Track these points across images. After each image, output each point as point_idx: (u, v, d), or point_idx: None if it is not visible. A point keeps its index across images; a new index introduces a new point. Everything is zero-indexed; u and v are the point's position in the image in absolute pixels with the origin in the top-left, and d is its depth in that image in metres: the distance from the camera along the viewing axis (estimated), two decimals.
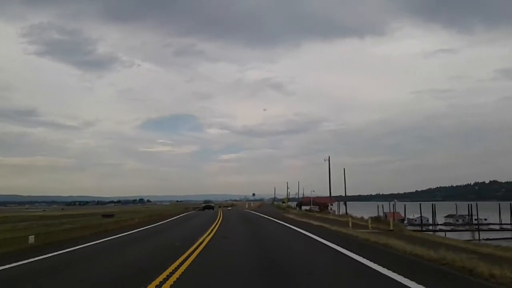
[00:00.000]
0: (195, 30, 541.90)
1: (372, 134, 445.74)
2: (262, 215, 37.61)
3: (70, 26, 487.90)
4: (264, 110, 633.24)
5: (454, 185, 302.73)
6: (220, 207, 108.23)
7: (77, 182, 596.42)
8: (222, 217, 32.80)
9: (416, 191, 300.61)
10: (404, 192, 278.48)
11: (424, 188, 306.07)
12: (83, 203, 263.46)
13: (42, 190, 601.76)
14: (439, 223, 76.57)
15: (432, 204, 74.55)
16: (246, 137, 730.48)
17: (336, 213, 51.35)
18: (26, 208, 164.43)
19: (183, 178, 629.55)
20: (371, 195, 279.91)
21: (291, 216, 35.70)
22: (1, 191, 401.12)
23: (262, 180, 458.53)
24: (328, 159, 55.32)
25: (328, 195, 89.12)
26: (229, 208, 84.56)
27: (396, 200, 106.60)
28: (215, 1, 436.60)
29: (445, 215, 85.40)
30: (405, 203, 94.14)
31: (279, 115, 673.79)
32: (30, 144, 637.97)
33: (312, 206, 74.15)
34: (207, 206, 65.06)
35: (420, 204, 74.63)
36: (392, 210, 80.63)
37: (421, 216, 72.13)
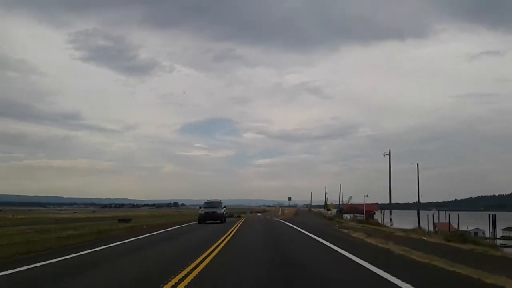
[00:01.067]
0: (234, 35, 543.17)
1: (410, 139, 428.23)
2: (306, 232, 21.72)
3: (114, 33, 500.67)
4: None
5: (497, 194, 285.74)
6: (251, 212, 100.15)
7: (116, 185, 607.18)
8: (234, 235, 18.87)
9: (456, 200, 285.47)
10: (443, 201, 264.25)
11: (464, 197, 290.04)
12: (119, 205, 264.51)
13: (82, 192, 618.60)
14: (497, 237, 67.51)
15: (491, 216, 65.32)
16: (282, 141, 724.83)
17: (388, 224, 43.70)
18: (59, 210, 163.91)
19: (218, 182, 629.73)
20: (408, 203, 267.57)
21: (360, 236, 19.11)
22: (44, 193, 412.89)
23: (297, 185, 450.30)
24: (388, 153, 47.50)
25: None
26: (259, 214, 77.28)
27: (435, 209, 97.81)
28: (254, 6, 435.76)
29: (502, 227, 75.89)
30: (449, 212, 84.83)
31: (316, 119, 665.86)
32: (73, 147, 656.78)
33: (355, 214, 66.48)
34: (208, 214, 32.50)
35: (491, 215, 64.87)
36: (438, 220, 72.36)
37: (491, 227, 62.40)
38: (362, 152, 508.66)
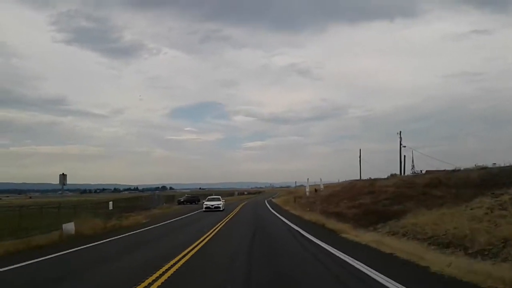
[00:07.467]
0: (220, 15, 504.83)
1: (399, 119, 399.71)
2: None
3: (97, 14, 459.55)
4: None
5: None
6: (243, 194, 71.81)
7: (106, 170, 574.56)
8: None
9: None
10: None
11: None
12: (99, 190, 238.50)
13: (71, 178, 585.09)
14: None
15: None
16: (272, 124, 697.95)
17: None
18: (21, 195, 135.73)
19: (209, 165, 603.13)
20: None
21: None
22: (33, 180, 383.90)
23: (289, 168, 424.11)
24: None
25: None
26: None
27: None
28: None
29: None
30: None
31: (305, 101, 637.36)
32: (60, 133, 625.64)
33: None
34: None
35: None
36: None
37: None
38: (352, 133, 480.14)
